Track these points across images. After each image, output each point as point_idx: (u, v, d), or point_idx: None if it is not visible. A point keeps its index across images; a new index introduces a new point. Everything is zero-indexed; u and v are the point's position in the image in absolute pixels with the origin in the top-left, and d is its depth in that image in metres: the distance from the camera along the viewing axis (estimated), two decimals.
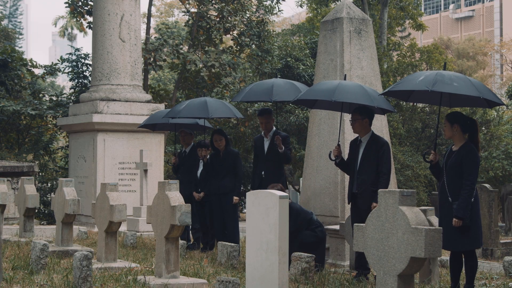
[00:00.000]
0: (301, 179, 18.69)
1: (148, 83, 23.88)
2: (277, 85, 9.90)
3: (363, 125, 8.38)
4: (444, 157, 7.52)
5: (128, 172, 15.42)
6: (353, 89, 8.47)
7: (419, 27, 33.30)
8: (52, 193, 18.55)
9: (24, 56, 27.48)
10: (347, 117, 9.65)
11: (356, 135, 8.59)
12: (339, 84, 8.54)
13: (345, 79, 9.19)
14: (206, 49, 23.47)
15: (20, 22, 62.75)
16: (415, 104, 28.47)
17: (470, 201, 7.11)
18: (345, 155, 8.99)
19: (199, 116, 10.89)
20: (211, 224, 11.02)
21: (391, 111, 8.95)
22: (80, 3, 21.81)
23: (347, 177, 9.02)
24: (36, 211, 14.10)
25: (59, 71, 23.41)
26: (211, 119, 11.81)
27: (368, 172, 8.22)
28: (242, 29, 22.92)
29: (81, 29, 23.86)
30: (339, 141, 8.86)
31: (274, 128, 10.22)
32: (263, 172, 10.01)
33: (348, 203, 8.69)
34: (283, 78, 12.76)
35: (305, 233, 8.89)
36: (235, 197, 10.43)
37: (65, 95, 22.80)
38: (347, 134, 10.05)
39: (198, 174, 11.25)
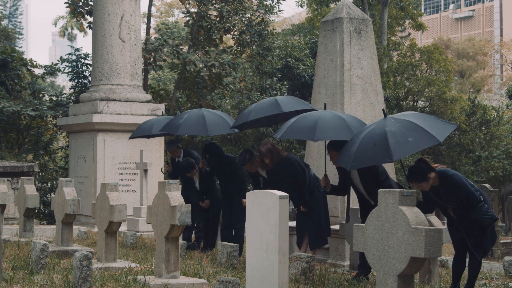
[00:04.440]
0: None
1: (148, 83, 23.88)
2: (323, 120, 8.42)
3: None
4: (426, 192, 7.20)
5: (128, 172, 15.41)
6: (333, 123, 8.21)
7: (419, 27, 33.32)
8: (52, 193, 18.55)
9: (24, 56, 27.49)
10: None
11: None
12: (319, 120, 8.26)
13: (325, 108, 8.94)
14: (206, 49, 23.47)
15: (20, 22, 62.71)
16: (414, 104, 28.53)
17: (488, 207, 7.07)
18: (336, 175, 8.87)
19: (197, 134, 10.78)
20: (213, 223, 11.04)
21: None
22: (80, 3, 21.81)
23: None
24: (36, 211, 14.10)
25: (59, 71, 23.41)
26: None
27: (376, 190, 8.07)
28: (242, 29, 22.92)
29: (81, 29, 23.85)
30: (325, 171, 8.69)
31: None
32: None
33: (360, 216, 8.47)
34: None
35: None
36: (244, 200, 10.40)
37: (65, 95, 22.80)
38: None
39: (197, 186, 11.24)
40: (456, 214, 7.11)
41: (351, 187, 8.42)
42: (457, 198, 7.01)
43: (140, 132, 11.88)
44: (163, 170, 12.32)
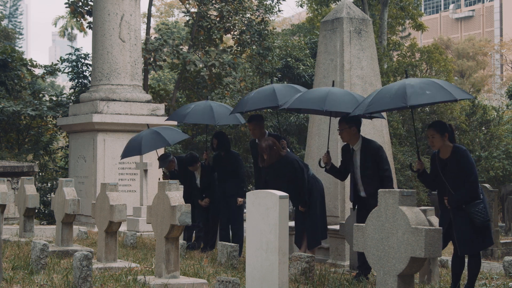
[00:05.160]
0: None
1: (148, 83, 23.88)
2: (333, 93, 8.55)
3: (351, 133, 8.19)
4: (434, 164, 7.32)
5: (128, 172, 15.41)
6: (343, 98, 8.31)
7: (419, 27, 33.32)
8: (52, 193, 18.55)
9: (24, 56, 27.50)
10: None
11: None
12: (329, 92, 8.35)
13: (333, 85, 9.02)
14: (206, 49, 23.48)
15: (20, 22, 62.73)
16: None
17: (484, 207, 7.09)
18: (337, 157, 8.93)
19: (205, 123, 10.94)
20: (213, 223, 11.05)
21: (380, 117, 8.88)
22: (80, 3, 21.82)
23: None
24: (36, 211, 14.10)
25: (59, 71, 23.42)
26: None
27: (373, 179, 8.10)
28: (242, 28, 22.94)
29: (81, 29, 23.88)
30: (328, 148, 8.74)
31: (267, 132, 10.04)
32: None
33: (354, 209, 8.55)
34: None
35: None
36: (239, 199, 10.42)
37: (65, 95, 22.81)
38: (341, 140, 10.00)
39: (198, 183, 11.23)
40: (452, 205, 7.13)
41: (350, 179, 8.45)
42: (462, 176, 7.06)
43: (130, 152, 11.56)
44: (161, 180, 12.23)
